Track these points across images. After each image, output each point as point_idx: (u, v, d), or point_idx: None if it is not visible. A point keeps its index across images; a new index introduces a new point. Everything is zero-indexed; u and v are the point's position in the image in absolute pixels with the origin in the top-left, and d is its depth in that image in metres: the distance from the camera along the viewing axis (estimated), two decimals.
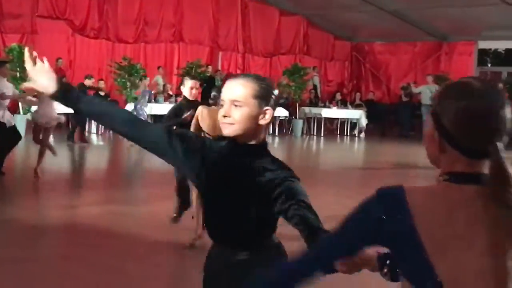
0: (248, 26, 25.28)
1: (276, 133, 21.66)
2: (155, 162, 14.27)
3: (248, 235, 2.63)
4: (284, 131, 22.12)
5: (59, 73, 19.59)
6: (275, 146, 18.26)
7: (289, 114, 22.47)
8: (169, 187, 11.00)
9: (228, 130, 2.57)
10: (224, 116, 2.56)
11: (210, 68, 22.53)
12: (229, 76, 18.81)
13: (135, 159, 14.97)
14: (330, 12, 25.13)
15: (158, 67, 22.34)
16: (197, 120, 6.81)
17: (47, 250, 6.71)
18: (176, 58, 23.91)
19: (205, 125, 6.78)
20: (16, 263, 6.35)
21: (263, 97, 2.59)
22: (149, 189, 10.83)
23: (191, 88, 7.29)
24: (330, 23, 26.87)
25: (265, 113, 2.59)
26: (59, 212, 7.30)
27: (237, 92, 2.56)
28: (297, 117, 22.49)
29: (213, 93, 7.01)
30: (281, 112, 21.92)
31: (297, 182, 2.54)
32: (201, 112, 6.80)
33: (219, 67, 24.43)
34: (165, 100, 20.09)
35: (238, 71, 25.15)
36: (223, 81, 19.70)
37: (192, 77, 7.65)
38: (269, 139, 20.04)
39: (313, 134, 22.57)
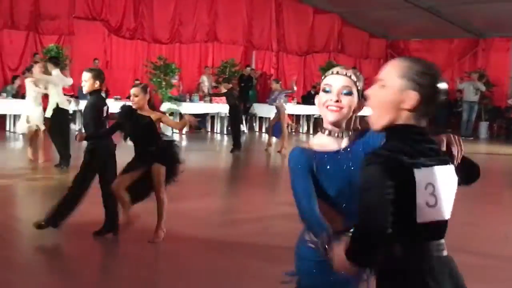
0: (282, 25, 25.27)
1: (311, 132, 21.63)
2: (190, 160, 14.41)
3: None
4: (319, 129, 22.03)
5: None
6: None
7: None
8: (204, 185, 11.13)
9: None
10: None
11: (248, 69, 22.65)
12: (264, 75, 18.79)
13: None
14: (365, 9, 24.99)
15: (205, 67, 22.48)
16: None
17: (90, 246, 6.80)
18: (210, 58, 24.02)
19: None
20: (54, 258, 6.47)
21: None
22: (185, 186, 10.90)
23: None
24: (365, 20, 26.72)
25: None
26: (98, 209, 7.38)
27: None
28: None
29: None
30: (316, 111, 21.87)
31: None
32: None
33: (253, 66, 24.47)
34: (200, 99, 20.18)
35: (272, 70, 25.20)
36: (258, 80, 19.71)
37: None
38: (303, 138, 20.09)
39: None
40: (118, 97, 18.92)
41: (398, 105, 2.33)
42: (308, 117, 22.22)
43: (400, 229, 2.26)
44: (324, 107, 2.91)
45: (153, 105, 7.21)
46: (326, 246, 2.62)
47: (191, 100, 19.93)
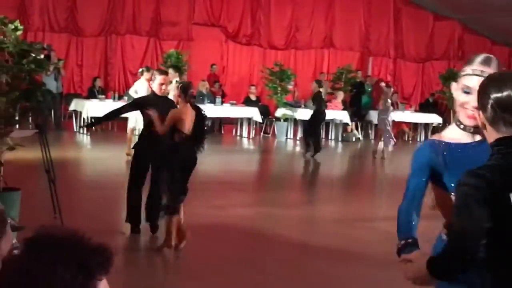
0: (401, 31, 24.79)
1: None
2: (303, 167, 14.35)
3: None
4: (455, 122, 21.31)
5: (213, 78, 20.16)
6: None
7: (443, 121, 21.75)
8: (318, 192, 11.04)
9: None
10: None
11: (359, 74, 22.32)
12: (380, 81, 18.36)
13: (285, 164, 15.07)
14: (487, 16, 24.07)
15: (320, 73, 22.41)
16: (175, 121, 6.54)
17: (201, 248, 6.85)
18: (326, 64, 23.86)
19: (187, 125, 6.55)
20: (171, 259, 6.54)
21: None
22: (297, 193, 10.86)
23: (161, 84, 7.10)
24: (487, 27, 25.76)
25: None
26: (210, 211, 7.47)
27: None
28: (451, 123, 21.69)
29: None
30: (434, 119, 21.31)
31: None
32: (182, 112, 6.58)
33: (369, 73, 24.11)
34: None
35: (389, 77, 24.75)
36: (374, 87, 19.31)
37: (161, 73, 7.35)
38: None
39: None
40: (234, 102, 19.11)
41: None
42: (426, 125, 21.63)
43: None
44: (462, 108, 2.79)
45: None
46: (400, 252, 2.74)
47: (305, 106, 19.85)
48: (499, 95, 2.31)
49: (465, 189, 2.26)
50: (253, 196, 10.28)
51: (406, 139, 21.28)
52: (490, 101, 2.30)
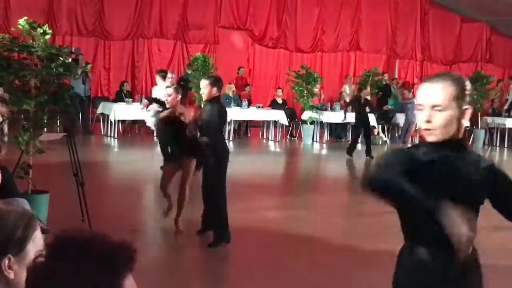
0: (428, 33, 24.65)
1: None
2: (331, 171, 14.31)
3: None
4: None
5: (241, 82, 20.18)
6: None
7: (470, 124, 21.54)
8: (344, 196, 10.98)
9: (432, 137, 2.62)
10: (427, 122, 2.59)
11: (386, 76, 22.20)
12: (406, 84, 18.20)
13: (312, 167, 15.03)
14: None
15: (346, 76, 22.31)
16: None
17: (230, 251, 6.85)
18: (352, 67, 23.80)
19: None
20: (200, 262, 6.55)
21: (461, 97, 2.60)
22: (324, 196, 10.81)
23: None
24: None
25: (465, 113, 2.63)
26: (238, 214, 7.45)
27: (437, 96, 2.56)
28: (479, 127, 21.51)
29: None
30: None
31: None
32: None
33: (396, 75, 23.99)
34: (341, 108, 19.98)
35: (416, 80, 24.61)
36: (400, 89, 19.02)
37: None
38: None
39: (496, 145, 21.46)
40: (260, 105, 19.10)
41: (458, 122, 2.59)
42: None
43: None
44: None
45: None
46: None
47: (332, 109, 19.79)
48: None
49: None
50: (281, 199, 10.26)
51: None
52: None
